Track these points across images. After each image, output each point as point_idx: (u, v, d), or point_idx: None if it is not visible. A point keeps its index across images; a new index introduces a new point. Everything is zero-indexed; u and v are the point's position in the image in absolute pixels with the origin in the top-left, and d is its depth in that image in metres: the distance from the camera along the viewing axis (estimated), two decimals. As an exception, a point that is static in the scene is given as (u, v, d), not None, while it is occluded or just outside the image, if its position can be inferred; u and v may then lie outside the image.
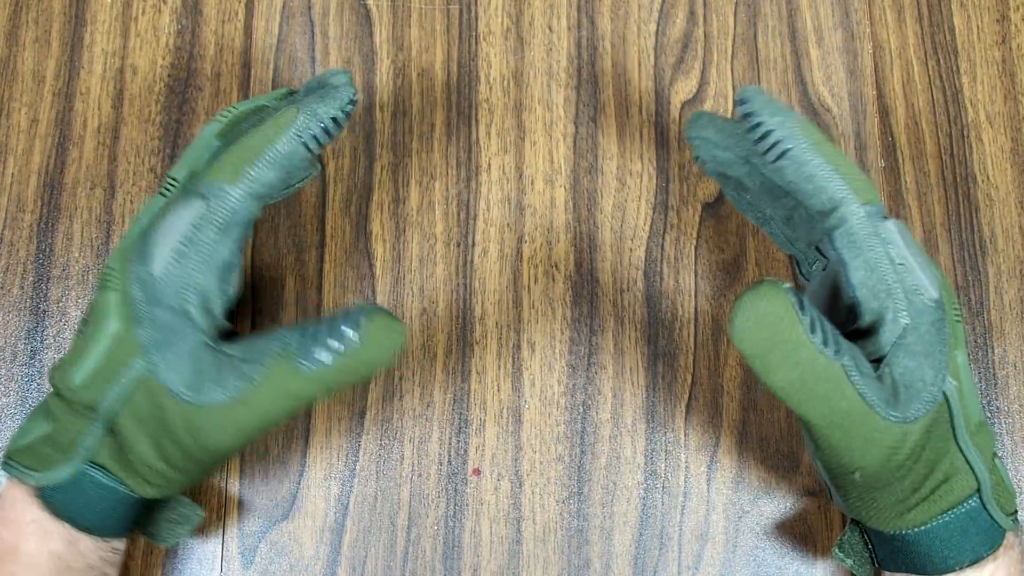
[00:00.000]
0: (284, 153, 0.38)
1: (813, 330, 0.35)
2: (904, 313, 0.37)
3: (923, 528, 0.39)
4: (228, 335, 0.40)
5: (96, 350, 0.38)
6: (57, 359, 0.44)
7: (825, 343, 0.36)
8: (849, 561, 0.42)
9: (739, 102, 0.39)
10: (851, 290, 0.38)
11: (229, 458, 0.40)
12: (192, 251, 0.38)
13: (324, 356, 0.36)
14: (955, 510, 0.39)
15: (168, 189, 0.40)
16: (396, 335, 0.37)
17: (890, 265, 0.38)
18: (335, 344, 0.36)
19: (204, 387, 0.37)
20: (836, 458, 0.38)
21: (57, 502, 0.39)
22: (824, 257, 0.41)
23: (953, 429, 0.38)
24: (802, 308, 0.35)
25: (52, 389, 0.40)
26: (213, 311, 0.39)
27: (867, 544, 0.42)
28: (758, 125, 0.38)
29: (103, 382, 0.38)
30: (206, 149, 0.41)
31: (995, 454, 0.40)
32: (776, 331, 0.35)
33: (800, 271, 0.45)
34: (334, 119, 0.39)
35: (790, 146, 0.38)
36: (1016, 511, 0.40)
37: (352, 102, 0.39)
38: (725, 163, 0.43)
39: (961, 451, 0.39)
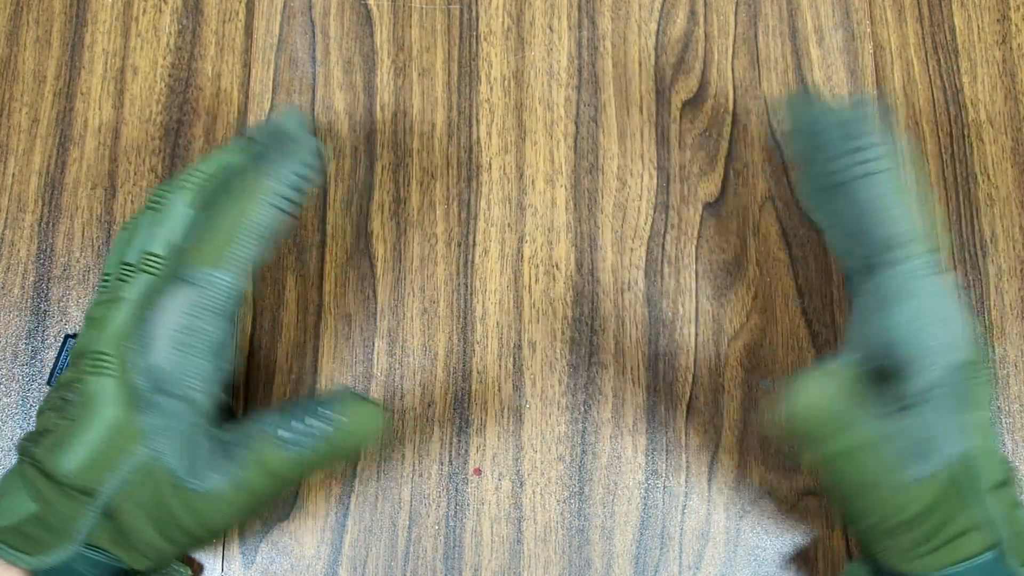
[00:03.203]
0: (261, 224, 0.39)
1: (863, 407, 0.37)
2: (936, 369, 0.37)
3: (936, 574, 0.39)
4: (227, 409, 0.42)
5: (91, 436, 0.39)
6: (27, 431, 0.43)
7: (876, 416, 0.37)
8: None
9: (855, 104, 0.39)
10: (886, 331, 0.38)
11: (229, 533, 0.41)
12: (192, 339, 0.39)
13: (304, 440, 0.39)
14: (969, 562, 0.38)
15: (152, 267, 0.40)
16: (374, 422, 0.40)
17: (933, 318, 0.38)
18: (313, 429, 0.39)
19: (204, 473, 0.39)
20: (846, 509, 0.39)
21: None
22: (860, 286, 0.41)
23: (971, 489, 0.38)
24: (854, 389, 0.37)
25: (28, 462, 0.40)
26: (212, 391, 0.40)
27: None
28: (863, 135, 0.38)
29: (103, 470, 0.38)
30: (180, 219, 0.40)
31: (1019, 504, 0.40)
32: (831, 413, 0.37)
33: (849, 286, 0.45)
34: (302, 176, 0.39)
35: (885, 168, 0.38)
36: None
37: (316, 153, 0.40)
38: (811, 149, 0.42)
39: (979, 510, 0.38)
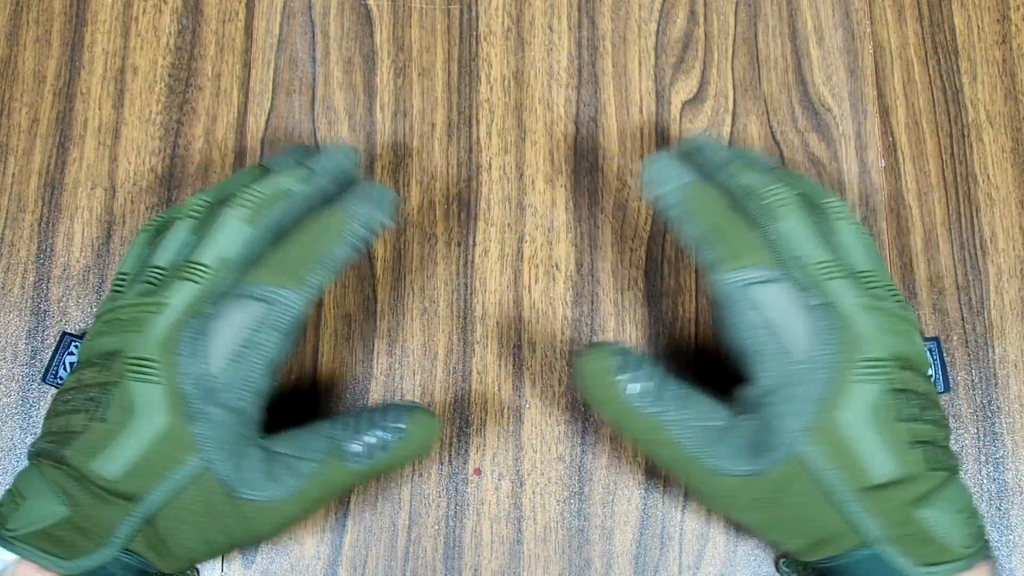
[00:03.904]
0: (341, 259, 0.41)
1: (631, 386, 0.40)
2: (766, 374, 0.39)
3: (834, 564, 0.40)
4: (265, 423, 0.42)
5: (136, 443, 0.38)
6: (44, 432, 0.41)
7: (644, 398, 0.40)
8: None
9: (644, 167, 0.43)
10: (729, 339, 0.41)
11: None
12: (251, 353, 0.40)
13: (371, 454, 0.40)
14: (847, 557, 0.39)
15: (199, 275, 0.40)
16: (432, 431, 0.41)
17: (753, 329, 0.40)
18: (379, 443, 0.40)
19: (259, 483, 0.39)
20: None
21: None
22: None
23: (823, 492, 0.38)
24: (623, 369, 0.40)
25: (51, 464, 0.39)
26: (262, 405, 0.41)
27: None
28: (655, 196, 0.43)
29: (150, 477, 0.38)
30: (235, 235, 0.41)
31: (922, 503, 0.38)
32: (596, 387, 0.40)
33: None
34: (384, 225, 0.42)
35: (672, 213, 0.42)
36: (963, 558, 0.38)
37: (395, 205, 0.43)
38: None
39: (841, 514, 0.38)
